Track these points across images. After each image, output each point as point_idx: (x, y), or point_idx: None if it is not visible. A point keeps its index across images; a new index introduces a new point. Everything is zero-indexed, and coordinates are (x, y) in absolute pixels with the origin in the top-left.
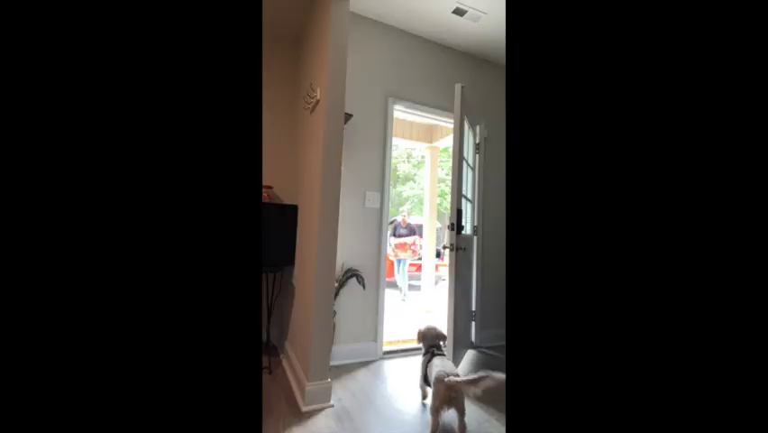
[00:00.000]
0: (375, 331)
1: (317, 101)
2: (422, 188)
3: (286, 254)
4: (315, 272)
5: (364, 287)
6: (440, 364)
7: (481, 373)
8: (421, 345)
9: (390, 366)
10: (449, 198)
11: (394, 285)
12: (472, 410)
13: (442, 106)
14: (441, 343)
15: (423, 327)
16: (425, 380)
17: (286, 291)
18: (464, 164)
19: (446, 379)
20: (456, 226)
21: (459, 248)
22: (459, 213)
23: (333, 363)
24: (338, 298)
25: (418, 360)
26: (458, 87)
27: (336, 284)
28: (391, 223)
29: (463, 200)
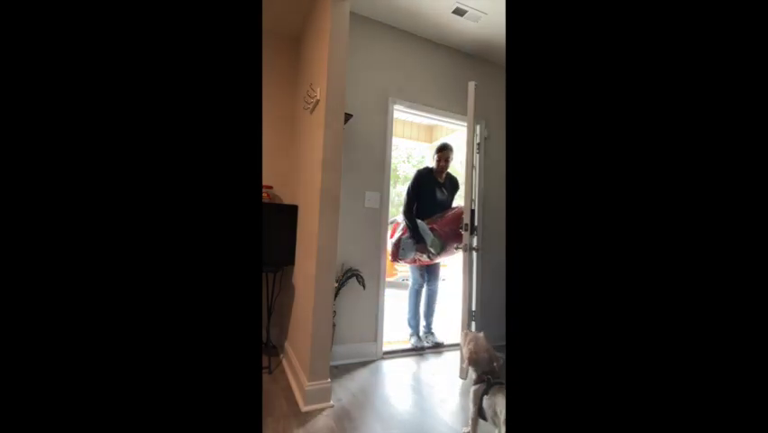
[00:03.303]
0: (375, 331)
1: (317, 101)
2: None
3: (286, 254)
4: (315, 272)
5: (364, 287)
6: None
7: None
8: (470, 369)
9: (390, 366)
10: None
11: (394, 285)
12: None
13: (442, 106)
14: (495, 365)
15: (470, 344)
16: (481, 414)
17: (286, 291)
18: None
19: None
20: (470, 227)
21: (473, 249)
22: (472, 213)
23: (333, 363)
24: (338, 298)
25: (418, 360)
26: (471, 85)
27: (336, 284)
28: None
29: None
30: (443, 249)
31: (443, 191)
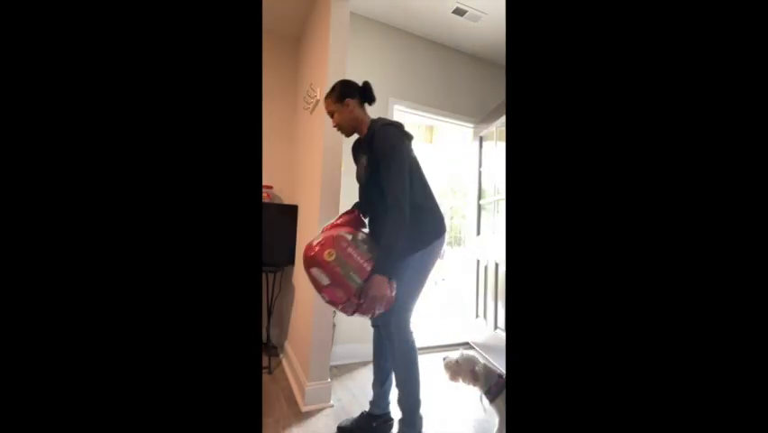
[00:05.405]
0: None
1: (317, 101)
2: None
3: (286, 254)
4: None
5: None
6: None
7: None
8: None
9: None
10: (450, 197)
11: None
12: (473, 409)
13: (442, 106)
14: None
15: (479, 366)
16: None
17: (286, 291)
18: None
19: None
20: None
21: None
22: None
23: (333, 363)
24: None
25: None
26: None
27: None
28: None
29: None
30: (331, 281)
31: (362, 162)
